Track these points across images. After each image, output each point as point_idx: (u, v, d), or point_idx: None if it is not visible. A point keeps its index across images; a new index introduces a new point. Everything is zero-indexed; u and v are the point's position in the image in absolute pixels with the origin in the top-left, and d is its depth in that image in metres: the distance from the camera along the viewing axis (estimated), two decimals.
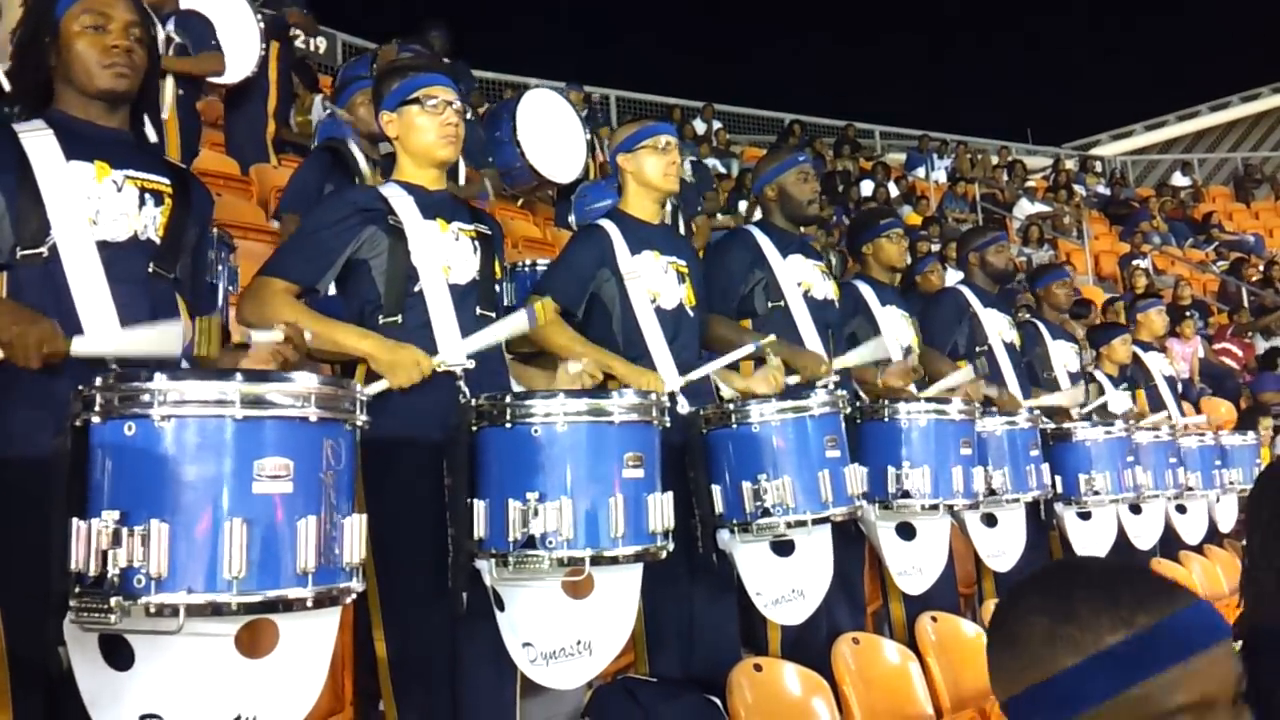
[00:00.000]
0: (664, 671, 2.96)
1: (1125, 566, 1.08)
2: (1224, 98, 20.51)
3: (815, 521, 2.93)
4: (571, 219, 6.15)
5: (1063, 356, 5.12)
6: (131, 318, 2.06)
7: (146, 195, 2.17)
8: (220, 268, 3.27)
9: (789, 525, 2.89)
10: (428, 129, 2.64)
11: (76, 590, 1.64)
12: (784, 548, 3.10)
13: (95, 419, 1.71)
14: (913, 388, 4.07)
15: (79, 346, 1.94)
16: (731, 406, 2.98)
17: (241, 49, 5.78)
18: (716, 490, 2.93)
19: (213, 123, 6.63)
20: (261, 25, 6.00)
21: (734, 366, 3.45)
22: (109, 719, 1.73)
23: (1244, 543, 1.90)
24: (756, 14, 29.41)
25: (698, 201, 7.39)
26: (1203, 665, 0.98)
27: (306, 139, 6.29)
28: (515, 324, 2.52)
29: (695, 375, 3.07)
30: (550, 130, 6.83)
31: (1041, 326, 5.17)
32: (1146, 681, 0.97)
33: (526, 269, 4.07)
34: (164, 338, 1.95)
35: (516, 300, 3.49)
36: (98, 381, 1.73)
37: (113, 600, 1.60)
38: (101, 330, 2.01)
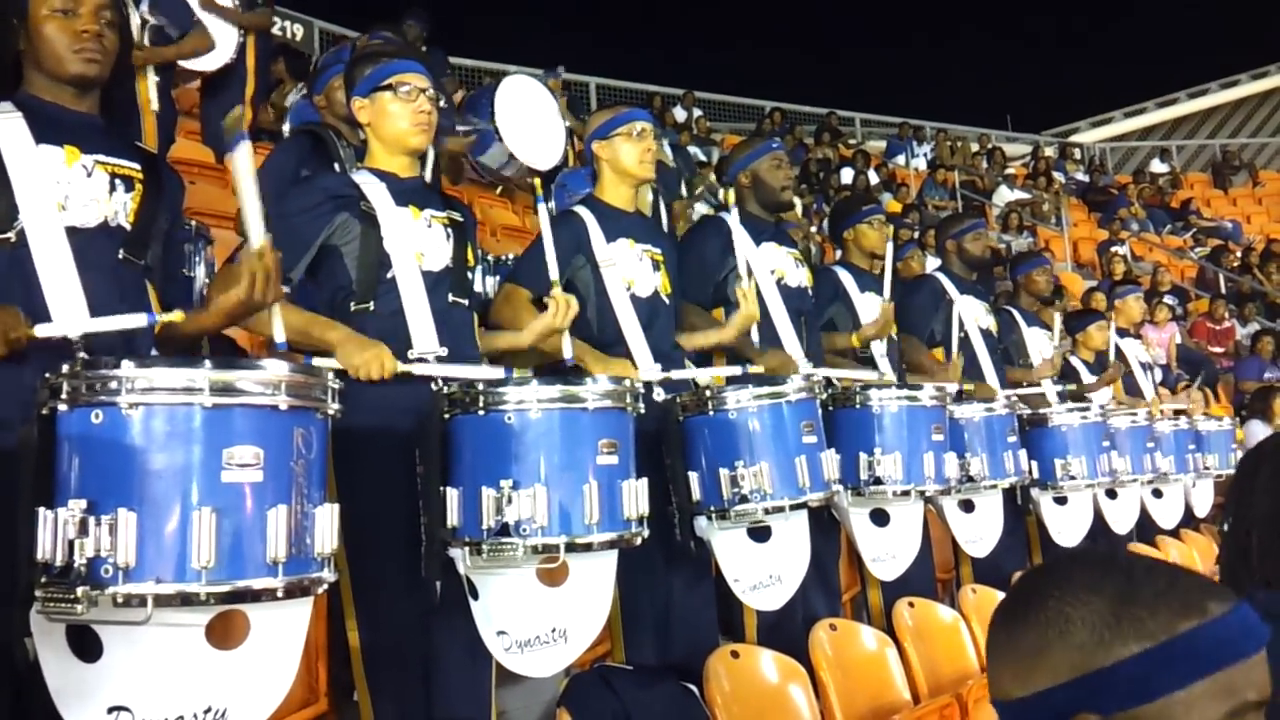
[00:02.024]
0: (641, 659, 2.97)
1: (1171, 562, 1.04)
2: (1202, 84, 20.62)
3: (793, 507, 2.93)
4: (552, 206, 6.13)
5: (1038, 344, 5.15)
6: (100, 304, 2.04)
7: (117, 181, 2.15)
8: (197, 259, 3.24)
9: (766, 511, 2.89)
10: (400, 116, 2.62)
11: (43, 580, 1.62)
12: (761, 534, 3.10)
13: (62, 407, 1.69)
14: (889, 371, 4.08)
15: (42, 331, 1.92)
16: (708, 393, 2.98)
17: (220, 36, 5.73)
18: (694, 477, 2.92)
19: (188, 111, 6.57)
20: (241, 8, 5.93)
21: (709, 362, 3.45)
22: (76, 711, 1.71)
23: (1225, 525, 1.91)
24: (737, 1, 29.37)
25: (678, 187, 7.37)
26: (1261, 663, 0.94)
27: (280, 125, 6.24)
28: (491, 371, 2.54)
29: (676, 375, 3.07)
30: (529, 117, 6.80)
31: (1017, 314, 5.19)
32: (1222, 672, 0.91)
33: (508, 263, 4.04)
34: (130, 319, 1.95)
35: (497, 291, 3.47)
36: (65, 369, 1.71)
37: (80, 590, 1.58)
38: (68, 315, 1.99)
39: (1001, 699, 1.00)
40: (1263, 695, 0.94)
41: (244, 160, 2.00)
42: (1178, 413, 6.09)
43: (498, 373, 2.53)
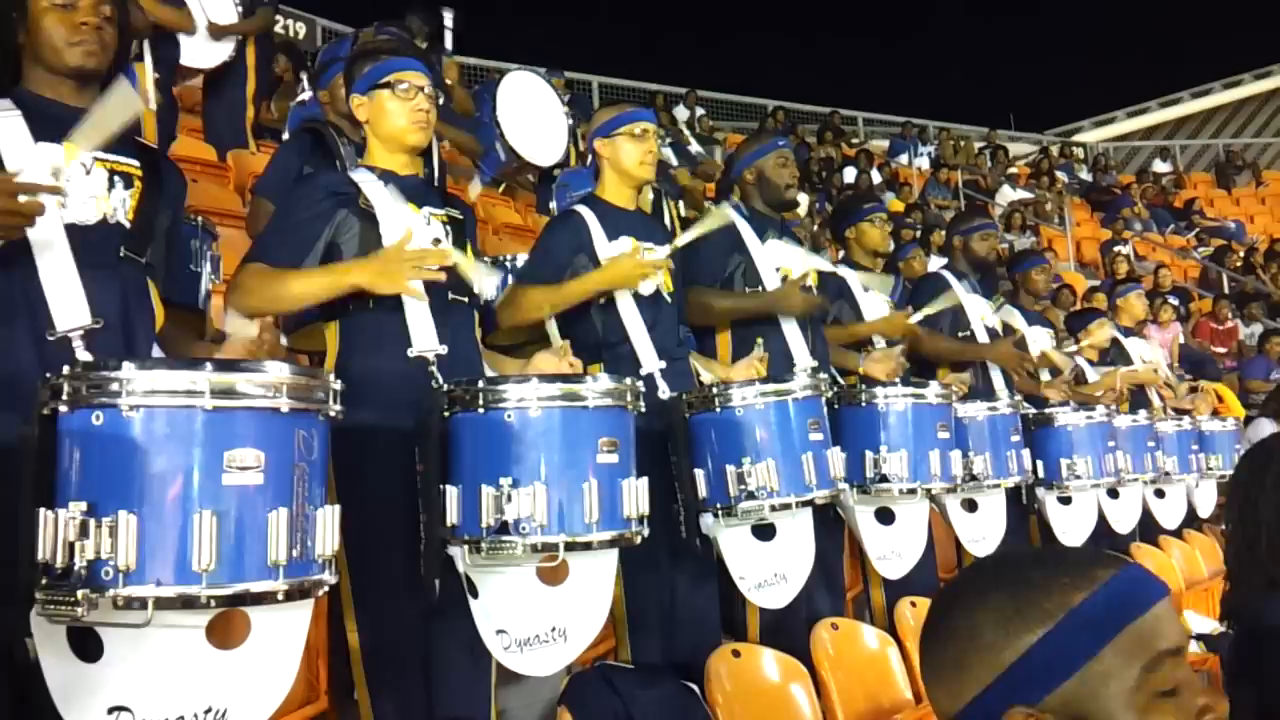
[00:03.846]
0: (645, 657, 2.96)
1: (1054, 546, 1.08)
2: (1206, 84, 20.59)
3: (799, 504, 2.92)
4: (553, 206, 6.12)
5: (1040, 342, 5.14)
6: (101, 302, 2.03)
7: (116, 177, 2.14)
8: (204, 257, 3.24)
9: (773, 509, 2.88)
10: (398, 114, 2.61)
11: (44, 582, 1.61)
12: (766, 532, 3.10)
13: (63, 408, 1.68)
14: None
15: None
16: (714, 390, 2.97)
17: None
18: (699, 474, 2.92)
19: (190, 109, 6.57)
20: (240, 9, 5.95)
21: (713, 355, 3.45)
22: (77, 712, 1.70)
23: (1230, 522, 1.90)
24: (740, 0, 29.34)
25: (679, 186, 7.36)
26: (1166, 613, 0.97)
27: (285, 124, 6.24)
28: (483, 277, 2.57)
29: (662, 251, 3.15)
30: (532, 113, 6.78)
31: (1018, 313, 5.18)
32: (1125, 631, 0.95)
33: (508, 262, 4.04)
34: (122, 100, 1.96)
35: (497, 292, 3.46)
36: (65, 370, 1.70)
37: (80, 592, 1.57)
38: (69, 314, 1.98)
39: (944, 717, 1.03)
40: (1176, 642, 0.97)
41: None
42: (1180, 412, 6.07)
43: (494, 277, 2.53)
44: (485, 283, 2.55)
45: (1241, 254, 13.48)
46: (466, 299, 2.65)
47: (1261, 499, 1.84)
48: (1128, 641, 0.95)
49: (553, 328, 2.74)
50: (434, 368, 2.43)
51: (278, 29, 8.04)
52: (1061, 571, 0.99)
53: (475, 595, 2.39)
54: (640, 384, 2.47)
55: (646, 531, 2.37)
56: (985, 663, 0.98)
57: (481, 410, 2.27)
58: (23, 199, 1.87)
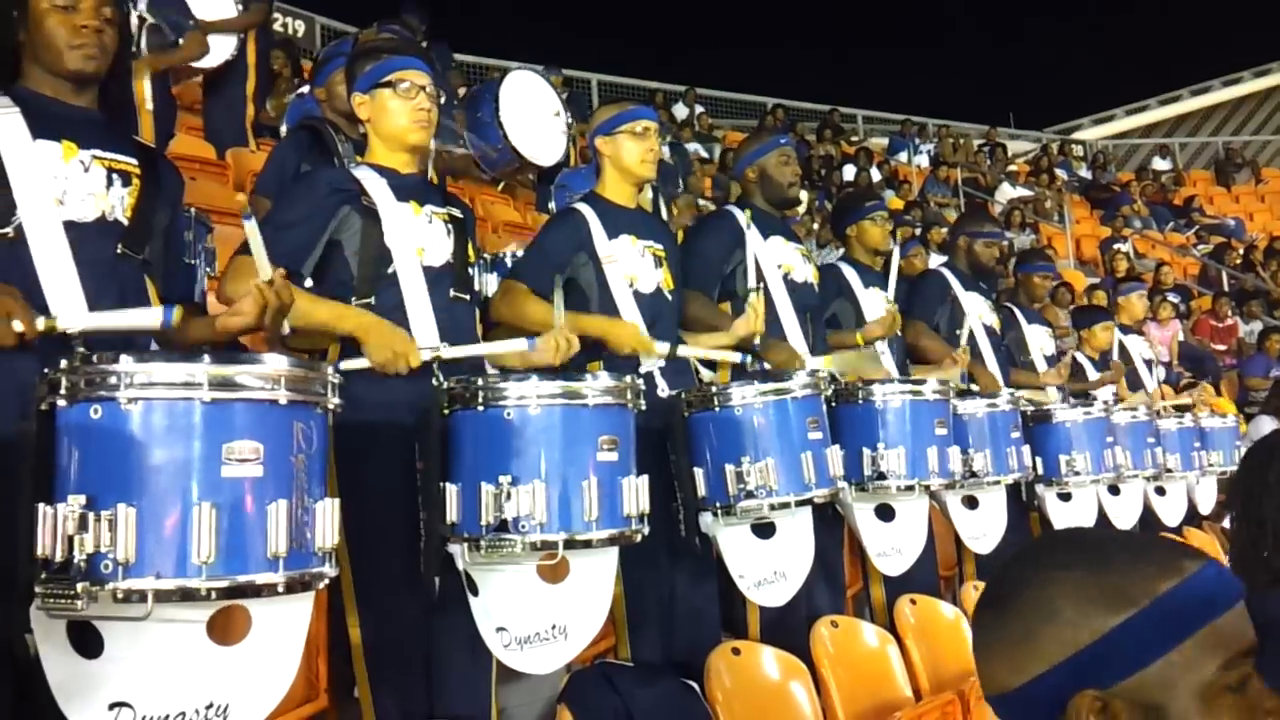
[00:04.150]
0: (645, 655, 2.96)
1: (1132, 531, 1.06)
2: (1205, 82, 20.59)
3: (798, 503, 2.92)
4: (552, 207, 6.12)
5: (1039, 341, 5.14)
6: (99, 299, 2.03)
7: (114, 175, 2.14)
8: (198, 248, 3.23)
9: (772, 508, 2.88)
10: (400, 113, 2.61)
11: (43, 576, 1.61)
12: (765, 530, 3.09)
13: (61, 402, 1.68)
14: (890, 364, 4.07)
15: (59, 322, 1.91)
16: (713, 389, 2.97)
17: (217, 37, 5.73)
18: (699, 473, 2.92)
19: (190, 107, 6.56)
20: (240, 7, 5.94)
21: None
22: (78, 707, 1.70)
23: (1232, 517, 1.90)
24: None
25: (677, 183, 7.36)
26: (1243, 614, 0.96)
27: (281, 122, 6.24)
28: (514, 345, 2.56)
29: (684, 352, 3.10)
30: (533, 113, 6.78)
31: (1018, 311, 5.18)
32: (1208, 626, 0.93)
33: (505, 259, 4.03)
34: (145, 316, 1.95)
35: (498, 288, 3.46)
36: (63, 364, 1.70)
37: (79, 586, 1.57)
38: (67, 310, 1.98)
39: (997, 693, 0.99)
40: (1251, 644, 0.95)
41: (253, 234, 2.02)
42: (1180, 409, 6.07)
43: (520, 345, 2.53)
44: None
45: (1241, 251, 13.47)
46: (468, 296, 2.65)
47: (1265, 495, 1.84)
48: (1210, 637, 0.93)
49: (559, 301, 2.73)
50: (435, 365, 2.43)
51: (276, 27, 8.03)
52: (1147, 558, 0.96)
53: (475, 593, 2.38)
54: (640, 382, 2.46)
55: (646, 530, 2.37)
56: (1058, 640, 0.95)
57: (481, 408, 2.27)
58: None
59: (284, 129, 5.60)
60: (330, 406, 1.86)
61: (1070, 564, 0.98)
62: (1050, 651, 0.95)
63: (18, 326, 1.86)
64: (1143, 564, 0.95)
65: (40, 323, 1.90)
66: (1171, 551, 0.97)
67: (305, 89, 5.77)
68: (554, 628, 2.43)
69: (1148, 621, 0.93)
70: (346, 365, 2.32)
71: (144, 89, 4.75)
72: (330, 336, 2.51)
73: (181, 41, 5.23)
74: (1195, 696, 0.92)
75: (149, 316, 1.99)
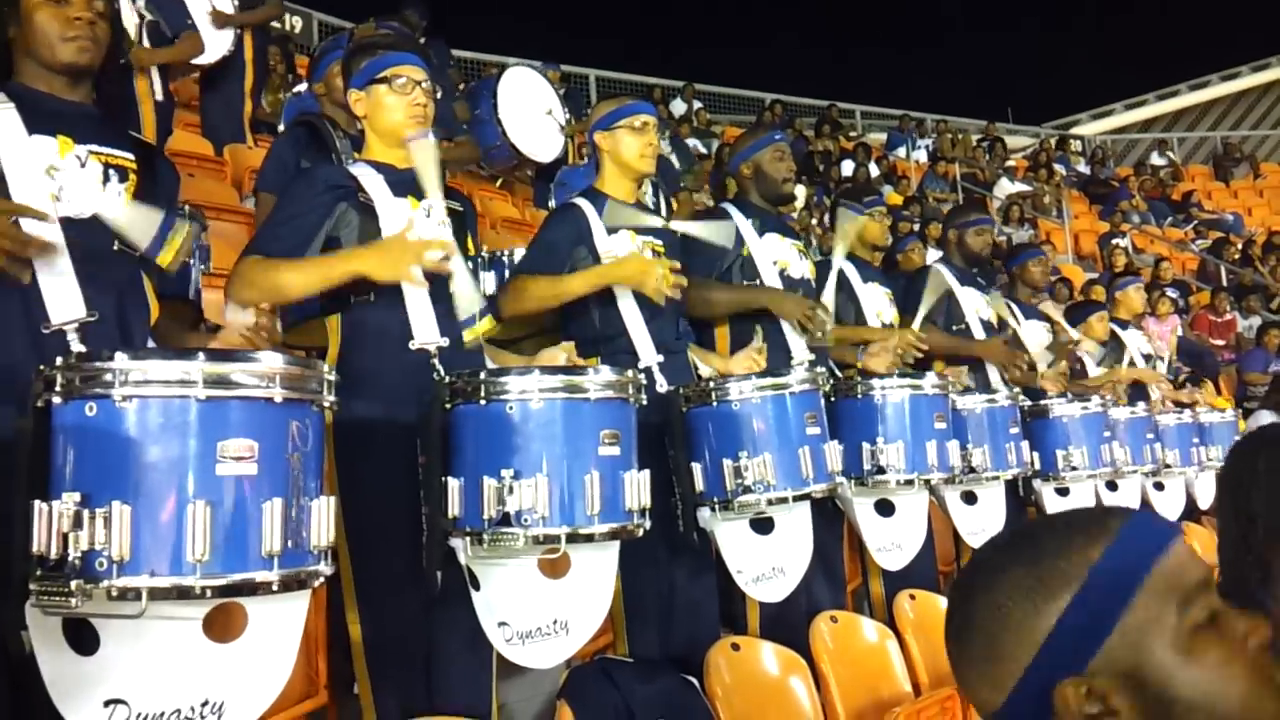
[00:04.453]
0: (643, 651, 2.95)
1: (1053, 514, 1.05)
2: (1203, 77, 20.58)
3: (796, 498, 2.92)
4: (551, 203, 6.11)
5: (1035, 336, 5.13)
6: (96, 295, 2.02)
7: (110, 171, 2.13)
8: (194, 245, 3.22)
9: (770, 503, 2.88)
10: (396, 108, 2.60)
11: (38, 573, 1.61)
12: (764, 525, 3.09)
13: (57, 399, 1.68)
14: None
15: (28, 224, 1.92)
16: (711, 384, 2.97)
17: (215, 33, 5.72)
18: (697, 468, 2.91)
19: (187, 103, 6.55)
20: (237, 3, 5.92)
21: (712, 348, 3.44)
22: (73, 705, 1.70)
23: (1221, 512, 1.88)
24: None
25: (678, 179, 7.36)
26: (1182, 548, 0.94)
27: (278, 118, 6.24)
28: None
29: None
30: (531, 109, 6.77)
31: (1014, 306, 5.17)
32: (1152, 574, 0.91)
33: (505, 256, 4.02)
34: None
35: (497, 286, 3.45)
36: (59, 361, 1.70)
37: (74, 583, 1.57)
38: (63, 306, 1.97)
39: (991, 714, 0.98)
40: (1203, 574, 0.94)
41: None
42: (1179, 405, 6.07)
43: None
44: (465, 303, 2.50)
45: (1239, 246, 13.47)
46: None
47: (1254, 488, 1.83)
48: (1157, 584, 0.91)
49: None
50: (435, 360, 2.42)
51: (274, 22, 8.00)
52: (1073, 531, 0.96)
53: (477, 587, 2.38)
54: (641, 376, 2.46)
55: (648, 524, 2.37)
56: (1020, 643, 0.94)
57: (483, 402, 2.27)
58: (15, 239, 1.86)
59: (281, 126, 5.58)
60: (326, 404, 1.85)
61: (1005, 565, 0.98)
62: (1017, 656, 0.94)
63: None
64: (1071, 539, 0.95)
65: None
66: (1094, 517, 0.97)
67: (302, 86, 5.75)
68: (555, 623, 2.43)
69: (1091, 592, 0.92)
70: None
71: (146, 83, 4.73)
72: (326, 333, 2.50)
73: (179, 39, 5.22)
74: (1169, 648, 0.90)
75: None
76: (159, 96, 4.75)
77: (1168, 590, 0.92)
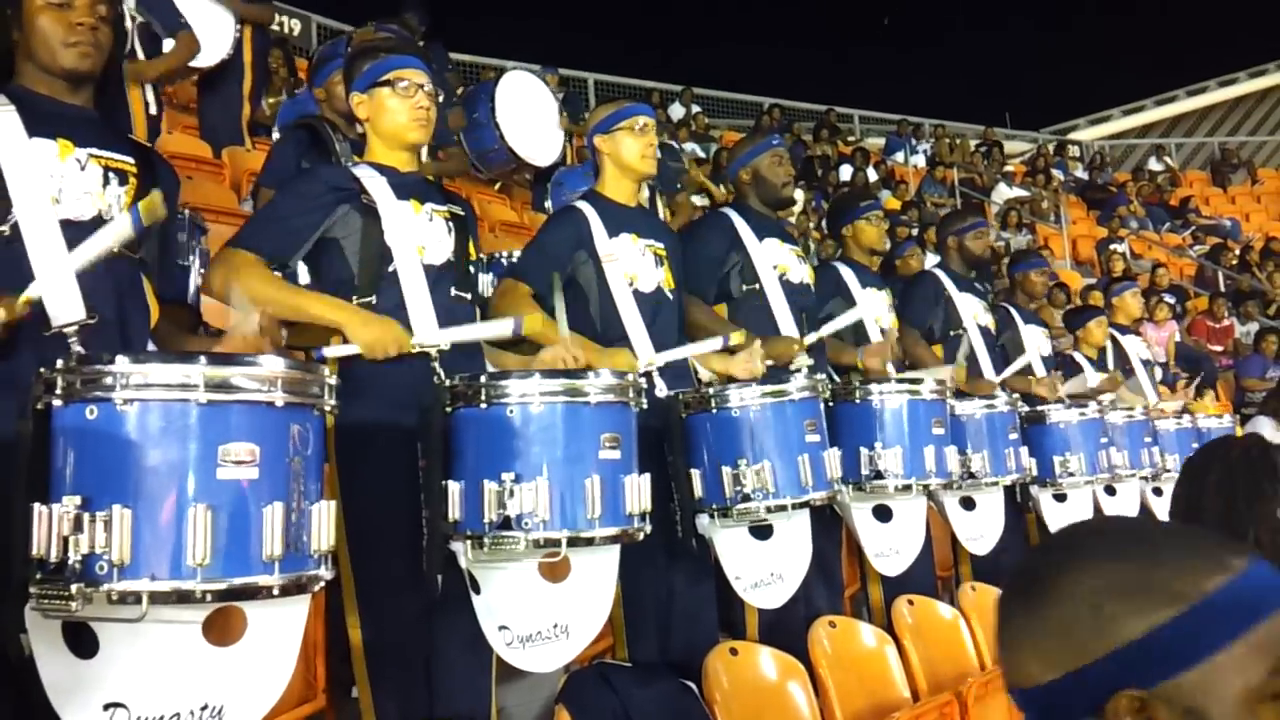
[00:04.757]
0: (642, 656, 2.95)
1: (1164, 523, 1.02)
2: (1201, 82, 20.61)
3: (795, 506, 2.92)
4: (548, 206, 6.11)
5: (1035, 341, 5.13)
6: (96, 298, 2.02)
7: (110, 174, 2.13)
8: (194, 251, 3.22)
9: (769, 510, 2.88)
10: (399, 111, 2.60)
11: (38, 577, 1.61)
12: (763, 531, 3.09)
13: (57, 402, 1.68)
14: (890, 368, 4.05)
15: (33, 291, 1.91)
16: (711, 391, 2.97)
17: (217, 31, 5.71)
18: (696, 474, 2.91)
19: (186, 106, 6.54)
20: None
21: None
22: (72, 708, 1.69)
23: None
24: None
25: (674, 182, 7.35)
26: None
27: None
28: (499, 328, 2.52)
29: (668, 357, 3.04)
30: (528, 113, 6.78)
31: (1014, 311, 5.17)
32: (1258, 626, 0.87)
33: (504, 259, 4.03)
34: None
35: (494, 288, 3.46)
36: (60, 364, 1.69)
37: (74, 587, 1.57)
38: (62, 309, 1.97)
39: (1024, 686, 0.94)
40: None
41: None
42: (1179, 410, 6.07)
43: (505, 327, 2.49)
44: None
45: (1237, 252, 13.49)
46: (469, 295, 2.65)
47: (1204, 500, 1.82)
48: (1260, 637, 0.87)
49: (561, 316, 2.72)
50: (436, 363, 2.42)
51: (272, 26, 7.99)
52: (1195, 554, 0.91)
53: (478, 591, 2.38)
54: (641, 379, 2.46)
55: (649, 528, 2.37)
56: (1099, 637, 0.89)
57: (484, 406, 2.27)
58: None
59: (275, 131, 5.58)
60: (327, 408, 1.85)
61: (1113, 554, 0.93)
62: (1090, 646, 0.89)
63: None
64: (1191, 559, 0.90)
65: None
66: (1219, 548, 0.92)
67: (300, 92, 5.77)
68: (556, 627, 2.42)
69: (1196, 620, 0.87)
70: (330, 351, 2.32)
71: (139, 96, 4.72)
72: (326, 333, 2.50)
73: (173, 43, 5.21)
74: (1239, 702, 0.87)
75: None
76: (153, 110, 4.74)
77: (1265, 649, 0.88)
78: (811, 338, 3.53)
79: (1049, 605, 0.92)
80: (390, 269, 2.51)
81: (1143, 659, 0.88)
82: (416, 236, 2.55)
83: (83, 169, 2.09)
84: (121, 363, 1.66)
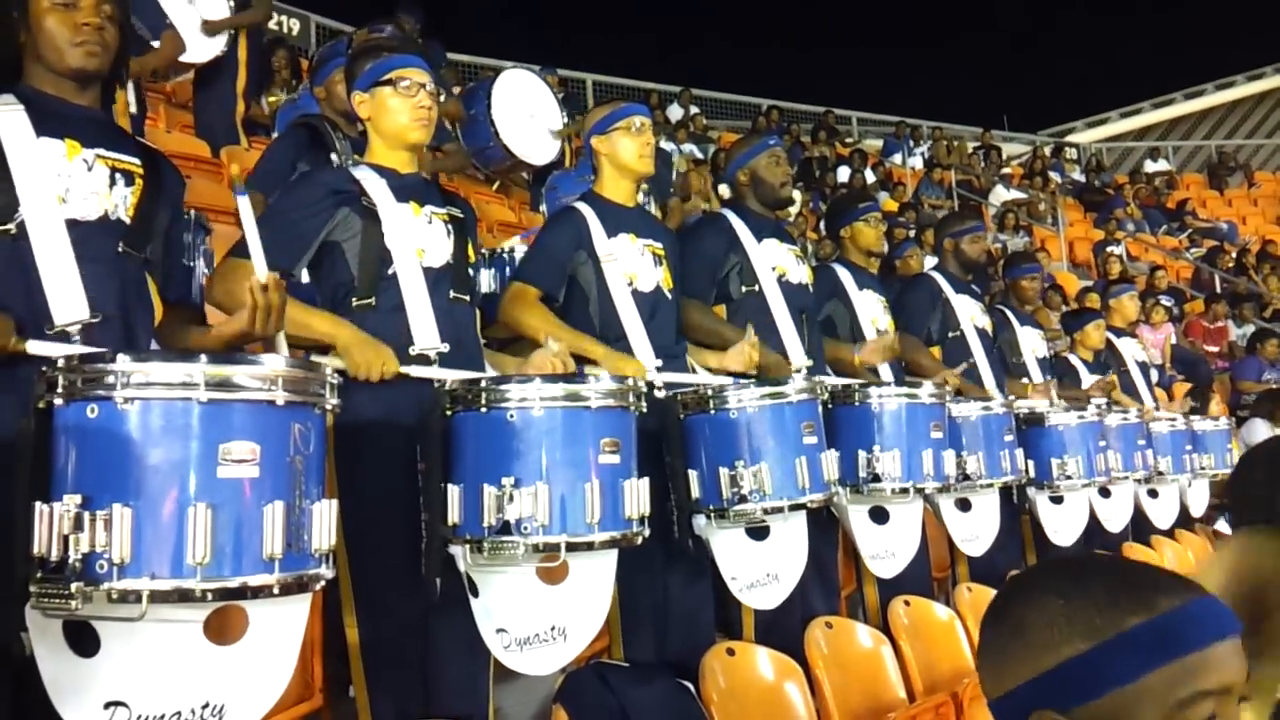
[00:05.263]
0: (639, 655, 2.95)
1: (1133, 561, 1.07)
2: (1199, 85, 20.64)
3: (792, 508, 2.92)
4: (544, 209, 6.12)
5: (1031, 343, 5.15)
6: (100, 297, 2.03)
7: (117, 175, 2.14)
8: (198, 251, 3.22)
9: (766, 512, 2.88)
10: (400, 111, 2.61)
11: (38, 576, 1.61)
12: (759, 532, 3.09)
13: (58, 401, 1.67)
14: (887, 370, 4.07)
15: (35, 349, 1.92)
16: (709, 392, 2.97)
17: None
18: (693, 475, 2.91)
19: (184, 104, 6.54)
20: (232, 3, 5.93)
21: (709, 345, 3.44)
22: (73, 707, 1.69)
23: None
24: None
25: (670, 183, 7.37)
26: (1223, 653, 0.96)
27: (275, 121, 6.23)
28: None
29: (674, 377, 3.05)
30: (526, 111, 6.78)
31: (1010, 313, 5.19)
32: (1171, 664, 0.94)
33: (507, 254, 4.02)
34: None
35: (498, 285, 3.45)
36: (61, 363, 1.70)
37: (74, 586, 1.57)
38: (68, 309, 1.98)
39: (988, 699, 1.04)
40: (1223, 684, 0.96)
41: (245, 209, 2.02)
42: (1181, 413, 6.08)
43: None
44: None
45: (1234, 255, 13.51)
46: (468, 297, 2.65)
47: (1248, 501, 1.78)
48: (1171, 674, 0.94)
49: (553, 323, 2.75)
50: (436, 365, 2.43)
51: (270, 25, 8.00)
52: (1124, 590, 0.98)
53: (475, 594, 2.38)
54: (641, 383, 2.46)
55: (648, 532, 2.37)
56: (1026, 660, 0.99)
57: (484, 409, 2.27)
58: None
59: (275, 134, 5.58)
60: (328, 407, 1.85)
61: (1052, 588, 1.02)
62: (1019, 670, 1.00)
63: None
64: (1118, 595, 0.98)
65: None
66: (1153, 585, 0.99)
67: (298, 93, 5.77)
68: (553, 629, 2.43)
69: (1106, 654, 0.95)
70: (328, 360, 2.33)
71: (122, 95, 4.72)
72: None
73: (157, 43, 5.23)
74: None
75: None
76: (133, 109, 4.75)
77: (1177, 685, 0.94)
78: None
79: (998, 631, 1.04)
80: (390, 271, 2.51)
81: (1059, 685, 0.97)
82: (416, 239, 2.56)
83: (90, 169, 2.09)
84: (123, 361, 1.65)
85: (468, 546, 2.25)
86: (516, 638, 2.38)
